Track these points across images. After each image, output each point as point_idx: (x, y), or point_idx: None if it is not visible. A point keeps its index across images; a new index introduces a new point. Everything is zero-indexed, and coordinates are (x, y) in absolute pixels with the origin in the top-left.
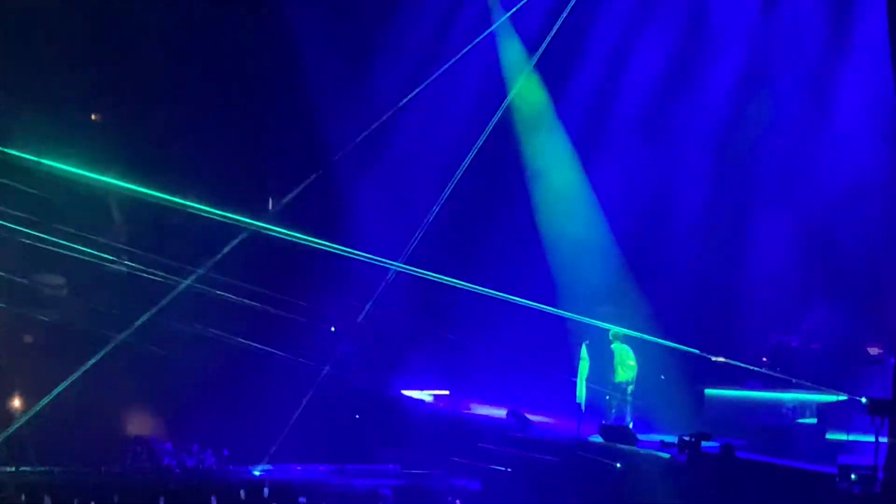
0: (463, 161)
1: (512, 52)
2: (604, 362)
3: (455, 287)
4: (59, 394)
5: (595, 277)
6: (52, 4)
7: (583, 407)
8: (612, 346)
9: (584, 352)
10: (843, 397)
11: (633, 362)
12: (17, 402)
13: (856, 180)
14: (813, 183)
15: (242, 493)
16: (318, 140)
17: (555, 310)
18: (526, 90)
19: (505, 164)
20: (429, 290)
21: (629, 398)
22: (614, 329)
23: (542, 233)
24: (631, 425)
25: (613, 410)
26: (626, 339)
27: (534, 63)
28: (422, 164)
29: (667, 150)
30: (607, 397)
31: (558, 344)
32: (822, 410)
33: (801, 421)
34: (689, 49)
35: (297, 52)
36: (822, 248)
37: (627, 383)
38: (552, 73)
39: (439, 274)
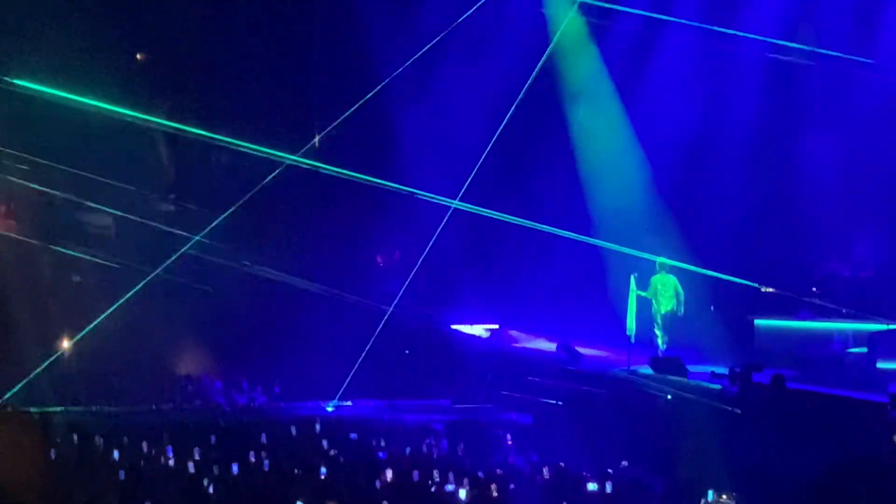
0: (507, 95)
1: None
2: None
3: (503, 220)
4: (109, 333)
5: (638, 207)
6: None
7: (632, 339)
8: (655, 277)
9: (633, 284)
10: (893, 326)
11: (676, 293)
12: (66, 342)
13: None
14: (859, 107)
15: (293, 429)
16: (365, 74)
17: (601, 242)
18: (567, 21)
19: (548, 99)
20: (477, 223)
21: (665, 327)
22: (660, 259)
23: (582, 162)
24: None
25: (658, 341)
26: (672, 270)
27: None
28: (467, 98)
29: (711, 76)
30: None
31: (606, 276)
32: (872, 339)
33: (851, 350)
34: None
35: None
36: (871, 175)
37: (671, 314)
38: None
39: (487, 207)
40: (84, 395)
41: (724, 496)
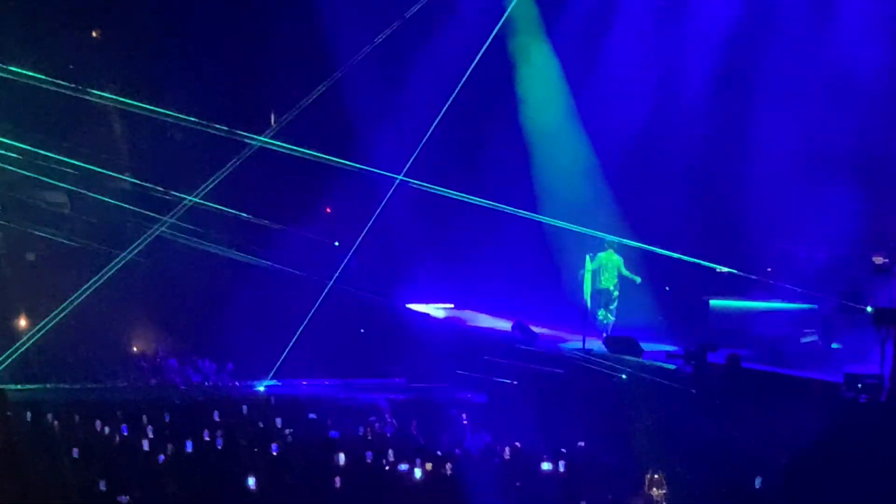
0: (461, 77)
1: None
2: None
3: (458, 199)
4: (63, 311)
5: (591, 187)
6: None
7: (588, 318)
8: (601, 254)
9: (588, 263)
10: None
11: (618, 273)
12: (21, 320)
13: (856, 83)
14: (813, 87)
15: (245, 408)
16: (317, 54)
17: (555, 221)
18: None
19: (500, 81)
20: (432, 202)
21: (613, 305)
22: (609, 238)
23: (533, 142)
24: (608, 332)
25: (599, 318)
26: (625, 250)
27: None
28: (424, 81)
29: (661, 57)
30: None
31: (561, 256)
32: (827, 319)
33: (806, 331)
34: None
35: None
36: (825, 154)
37: (608, 290)
38: None
39: (443, 186)
40: (39, 372)
41: (656, 475)
